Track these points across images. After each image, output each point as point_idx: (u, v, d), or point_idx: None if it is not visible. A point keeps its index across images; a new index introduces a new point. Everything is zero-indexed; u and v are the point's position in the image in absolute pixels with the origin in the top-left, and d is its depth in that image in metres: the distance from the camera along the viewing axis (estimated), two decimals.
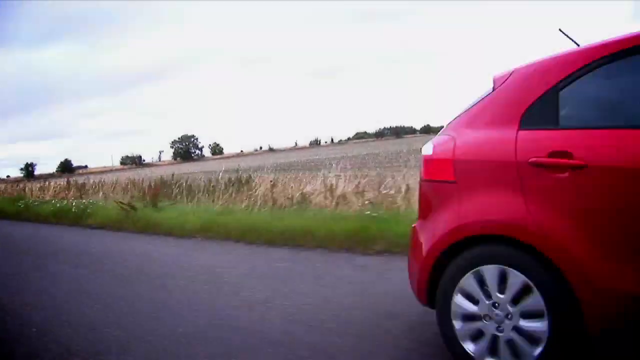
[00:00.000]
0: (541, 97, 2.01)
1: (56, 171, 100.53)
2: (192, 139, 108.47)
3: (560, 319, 1.85)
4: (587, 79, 1.95)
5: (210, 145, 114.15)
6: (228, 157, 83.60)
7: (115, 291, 4.05)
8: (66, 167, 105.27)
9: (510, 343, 1.97)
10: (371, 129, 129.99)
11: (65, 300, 3.89)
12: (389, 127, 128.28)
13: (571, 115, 1.98)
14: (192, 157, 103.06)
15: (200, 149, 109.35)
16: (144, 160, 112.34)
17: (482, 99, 2.24)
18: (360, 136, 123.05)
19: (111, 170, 77.59)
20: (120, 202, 8.82)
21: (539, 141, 1.94)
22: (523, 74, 2.13)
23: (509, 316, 1.97)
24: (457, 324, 2.12)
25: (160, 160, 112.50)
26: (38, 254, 6.28)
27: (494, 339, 2.01)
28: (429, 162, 2.31)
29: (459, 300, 2.10)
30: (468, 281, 2.07)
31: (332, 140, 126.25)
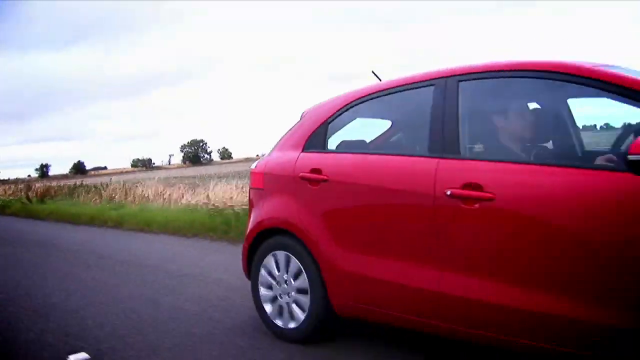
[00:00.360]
0: (317, 128, 2.81)
1: (69, 172, 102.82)
2: (201, 144, 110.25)
3: (316, 296, 2.63)
4: (345, 116, 2.75)
5: (219, 149, 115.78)
6: (236, 162, 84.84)
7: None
8: (79, 169, 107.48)
9: (289, 308, 2.76)
10: None
11: None
12: None
13: (332, 143, 2.77)
14: (201, 161, 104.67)
15: (209, 154, 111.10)
16: (153, 163, 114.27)
17: (292, 127, 3.03)
18: None
19: (122, 172, 79.30)
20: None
21: (307, 160, 2.73)
22: (313, 111, 2.93)
23: (291, 290, 2.75)
24: (261, 291, 2.90)
25: (170, 163, 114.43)
26: None
27: (281, 304, 2.80)
28: (252, 174, 3.11)
29: (263, 274, 2.88)
30: (268, 261, 2.85)
31: None
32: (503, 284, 1.97)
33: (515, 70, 2.17)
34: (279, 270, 2.79)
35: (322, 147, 2.76)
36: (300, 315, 2.69)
